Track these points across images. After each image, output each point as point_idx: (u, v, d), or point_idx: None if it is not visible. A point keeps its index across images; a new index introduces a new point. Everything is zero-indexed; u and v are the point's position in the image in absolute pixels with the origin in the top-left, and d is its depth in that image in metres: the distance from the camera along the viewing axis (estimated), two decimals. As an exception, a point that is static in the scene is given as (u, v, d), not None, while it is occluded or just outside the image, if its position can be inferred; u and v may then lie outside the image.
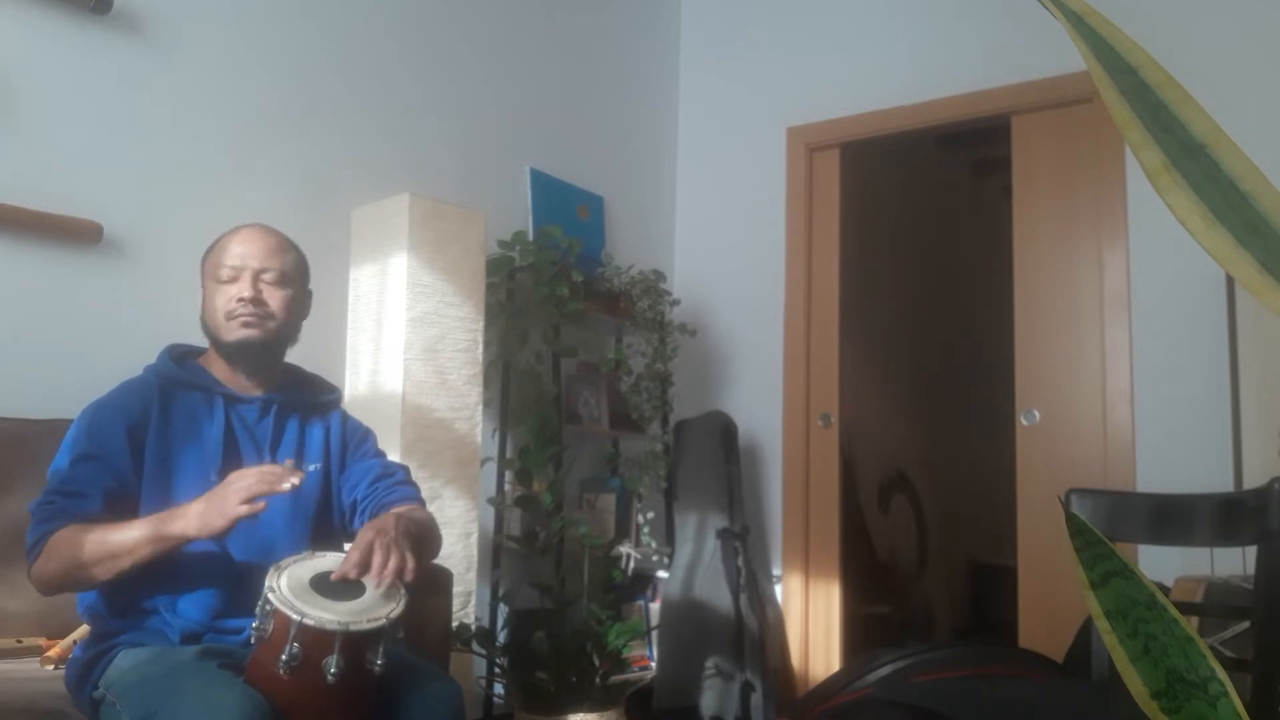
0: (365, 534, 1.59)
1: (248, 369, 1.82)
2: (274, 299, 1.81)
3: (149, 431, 1.70)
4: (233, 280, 1.79)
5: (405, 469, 1.95)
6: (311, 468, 1.83)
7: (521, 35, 3.71)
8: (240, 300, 1.77)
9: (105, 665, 1.59)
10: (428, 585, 1.94)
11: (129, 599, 1.64)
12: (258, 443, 1.79)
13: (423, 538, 1.73)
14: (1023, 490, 3.52)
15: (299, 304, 1.88)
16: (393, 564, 1.54)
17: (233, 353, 1.80)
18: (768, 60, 4.20)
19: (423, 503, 1.90)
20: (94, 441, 1.67)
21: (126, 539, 1.55)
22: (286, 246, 1.87)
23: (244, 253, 1.80)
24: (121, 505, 1.63)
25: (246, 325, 1.78)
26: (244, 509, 1.51)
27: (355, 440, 1.93)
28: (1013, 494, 3.54)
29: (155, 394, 1.74)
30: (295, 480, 1.55)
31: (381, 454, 1.96)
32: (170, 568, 1.61)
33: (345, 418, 1.96)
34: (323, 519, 1.83)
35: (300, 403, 1.88)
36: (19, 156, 2.34)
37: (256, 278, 1.80)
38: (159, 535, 1.55)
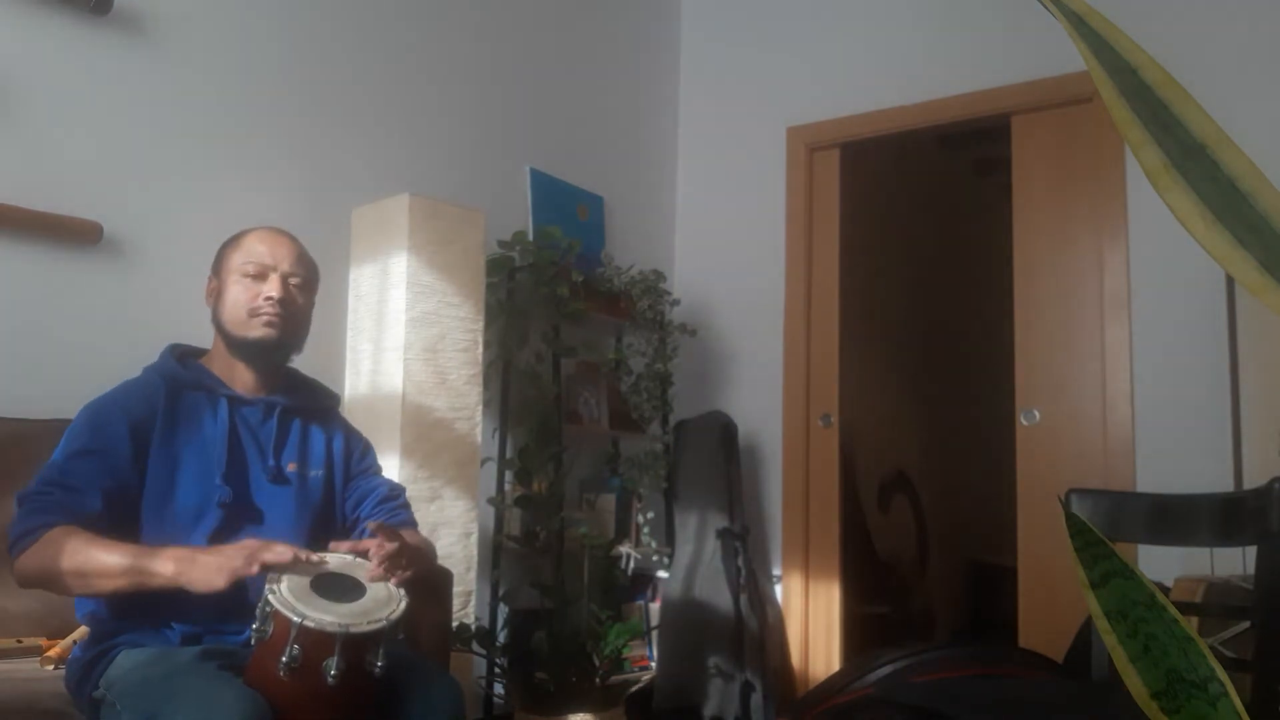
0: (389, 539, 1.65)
1: (258, 368, 1.82)
2: (298, 303, 1.82)
3: (155, 432, 1.69)
4: (260, 277, 1.78)
5: (404, 490, 2.00)
6: (314, 473, 1.84)
7: (522, 35, 3.71)
8: (268, 299, 1.76)
9: (105, 665, 1.59)
10: (428, 586, 1.95)
11: (129, 602, 1.63)
12: (261, 445, 1.79)
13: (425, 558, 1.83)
14: (1023, 490, 3.52)
15: (311, 313, 1.89)
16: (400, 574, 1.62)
17: (249, 350, 1.79)
18: (768, 60, 4.20)
19: (418, 526, 1.98)
20: (96, 437, 1.64)
21: (106, 564, 1.51)
22: (308, 255, 1.89)
23: (274, 253, 1.80)
24: (120, 506, 1.62)
25: (269, 324, 1.76)
26: (248, 572, 1.50)
27: (359, 452, 1.96)
28: (1013, 494, 3.54)
29: (162, 394, 1.72)
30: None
31: (380, 470, 2.00)
32: None
33: (349, 426, 1.99)
34: (323, 524, 1.83)
35: (302, 406, 1.88)
36: (19, 156, 2.33)
37: (285, 279, 1.80)
38: (138, 569, 1.51)
